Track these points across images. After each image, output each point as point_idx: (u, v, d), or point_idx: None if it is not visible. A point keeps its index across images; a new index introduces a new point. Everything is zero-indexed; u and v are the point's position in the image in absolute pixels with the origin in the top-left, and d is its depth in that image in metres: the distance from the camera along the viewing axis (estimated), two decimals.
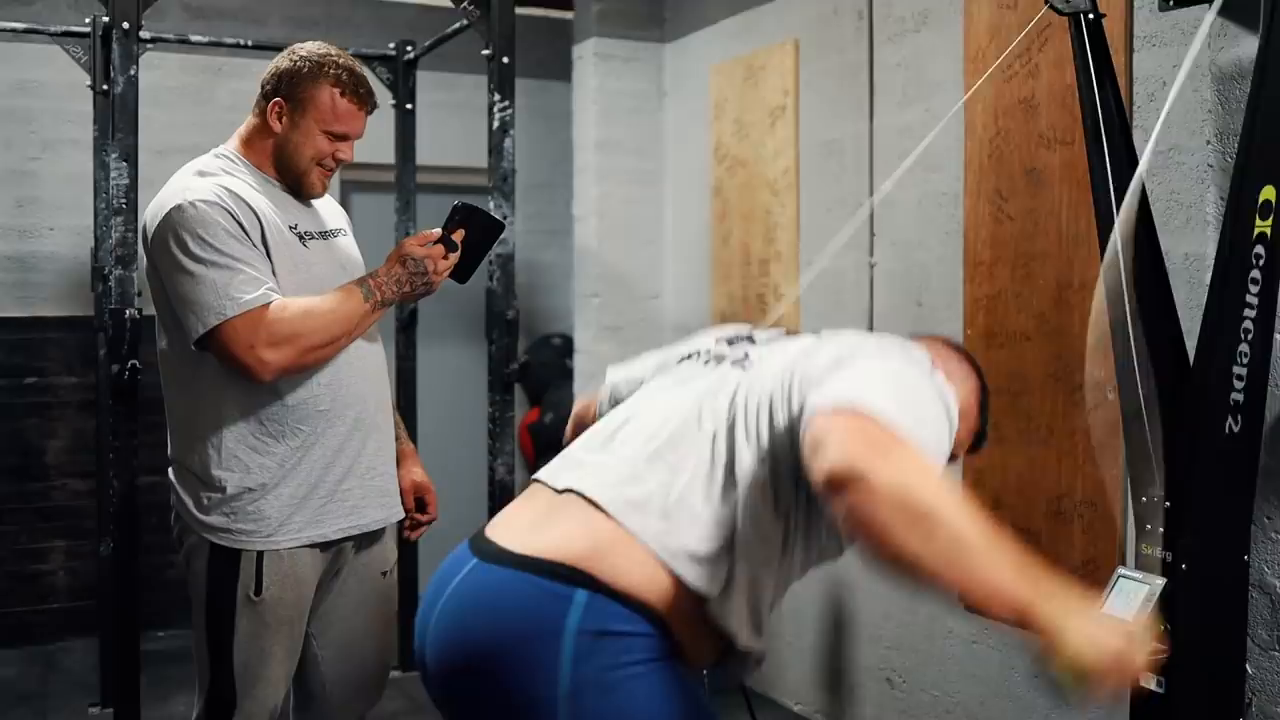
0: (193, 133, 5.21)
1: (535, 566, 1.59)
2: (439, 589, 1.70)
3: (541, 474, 1.80)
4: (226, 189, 2.41)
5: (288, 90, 2.48)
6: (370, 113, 2.57)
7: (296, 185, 2.55)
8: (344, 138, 2.53)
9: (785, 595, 1.74)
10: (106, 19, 3.57)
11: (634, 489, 1.65)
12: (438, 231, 2.54)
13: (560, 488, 1.71)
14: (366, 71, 2.60)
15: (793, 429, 1.62)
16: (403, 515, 2.71)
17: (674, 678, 1.60)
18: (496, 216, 2.57)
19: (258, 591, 2.43)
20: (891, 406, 1.49)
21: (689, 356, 1.93)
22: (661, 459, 1.68)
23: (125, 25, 3.35)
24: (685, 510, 1.63)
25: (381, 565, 2.67)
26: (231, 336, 2.33)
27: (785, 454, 1.63)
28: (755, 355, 1.82)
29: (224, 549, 2.44)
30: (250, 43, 4.41)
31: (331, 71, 2.48)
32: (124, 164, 3.36)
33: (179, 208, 2.37)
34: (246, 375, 2.36)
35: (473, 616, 1.62)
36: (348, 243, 2.68)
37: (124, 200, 3.36)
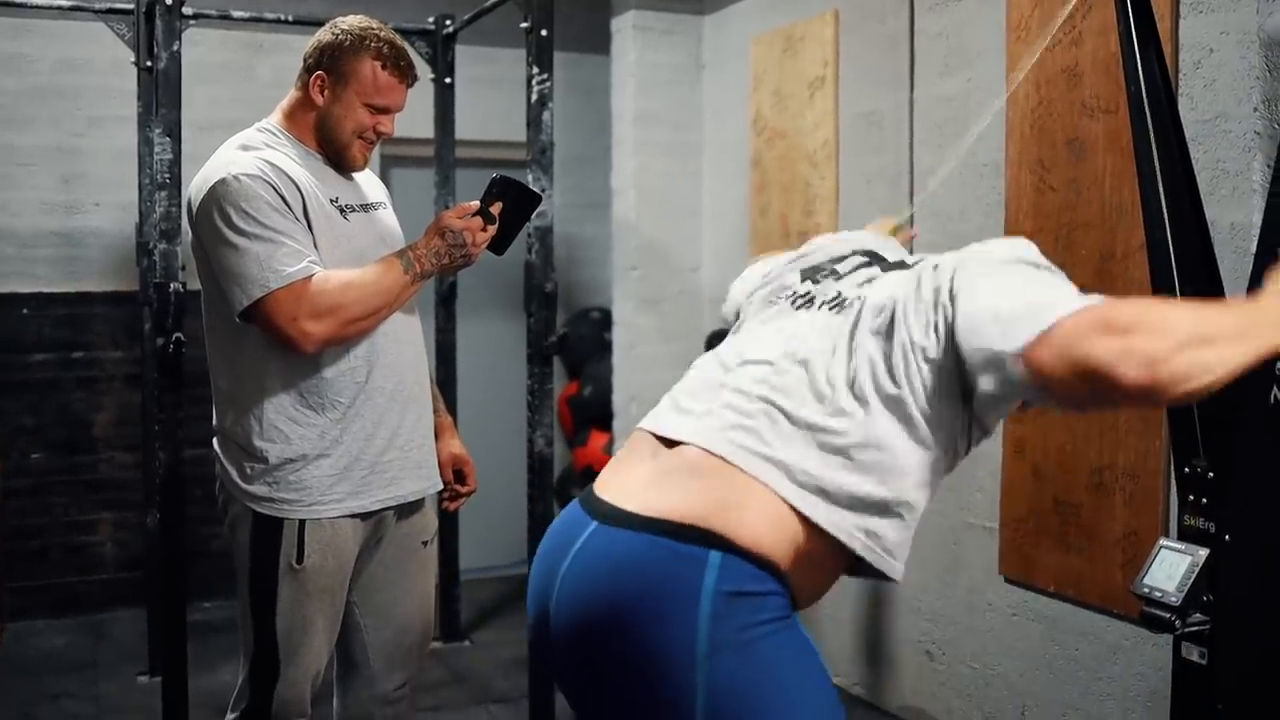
0: (235, 108, 5.25)
1: (664, 529, 1.58)
2: (556, 555, 1.68)
3: (649, 423, 1.77)
4: (269, 163, 2.43)
5: (330, 63, 2.51)
6: (411, 85, 2.59)
7: (338, 158, 2.57)
8: (385, 110, 2.55)
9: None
10: None
11: (749, 436, 1.63)
12: (476, 204, 2.55)
13: (673, 438, 1.69)
14: (406, 45, 2.61)
15: (938, 342, 1.62)
16: (441, 486, 2.74)
17: (802, 634, 1.62)
18: (534, 189, 2.58)
19: (299, 560, 2.46)
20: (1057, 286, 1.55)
21: (780, 296, 1.87)
22: (772, 402, 1.66)
23: (168, 1, 3.38)
24: (811, 449, 1.62)
25: (422, 534, 2.70)
26: (275, 308, 2.36)
27: (934, 376, 1.62)
28: (849, 292, 1.77)
29: (267, 518, 2.48)
30: (291, 18, 4.42)
31: (373, 45, 2.50)
32: (167, 139, 3.40)
33: (223, 181, 2.39)
34: (290, 347, 2.39)
35: (606, 580, 1.60)
36: (388, 216, 2.71)
37: (168, 175, 3.40)
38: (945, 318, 1.61)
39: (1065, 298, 1.50)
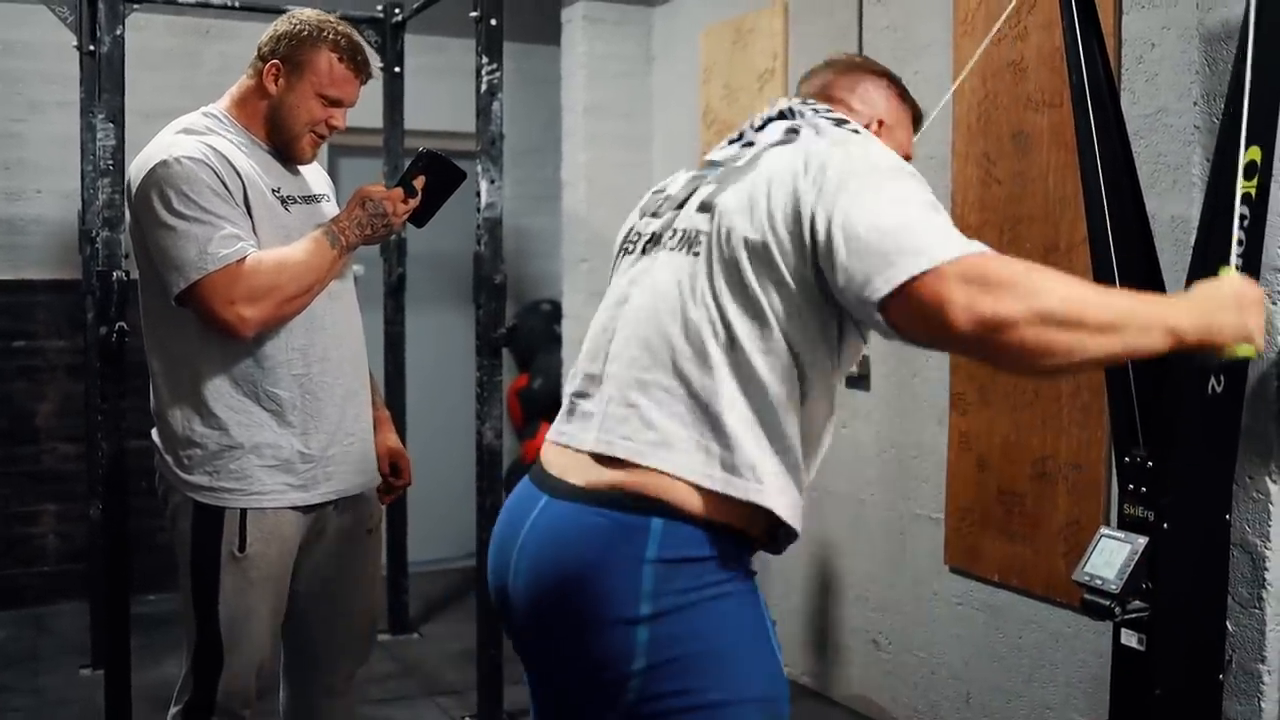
0: (180, 95, 5.15)
1: (607, 500, 1.62)
2: (511, 531, 1.73)
3: (559, 435, 1.79)
4: (211, 147, 2.41)
5: (286, 53, 2.49)
6: (365, 82, 2.60)
7: (287, 149, 2.55)
8: (338, 103, 2.54)
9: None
10: None
11: (649, 432, 1.63)
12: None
13: (586, 450, 1.70)
14: (363, 41, 2.61)
15: (805, 263, 1.57)
16: (380, 480, 2.73)
17: (754, 601, 1.64)
18: (459, 167, 2.63)
19: (242, 548, 2.44)
20: (919, 222, 1.49)
21: (627, 248, 1.86)
22: (656, 386, 1.65)
23: None
24: (708, 427, 1.61)
25: (366, 523, 2.69)
26: (211, 292, 2.33)
27: (800, 305, 1.59)
28: (688, 226, 1.72)
29: (207, 507, 2.45)
30: (238, 4, 4.38)
31: (331, 37, 2.50)
32: (110, 125, 3.35)
33: (164, 163, 2.37)
34: (226, 331, 2.37)
35: (555, 551, 1.65)
36: (331, 209, 2.68)
37: (110, 161, 3.36)
38: (816, 234, 1.55)
39: (945, 241, 1.46)
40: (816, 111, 1.78)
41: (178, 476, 2.47)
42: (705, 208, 1.70)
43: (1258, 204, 2.29)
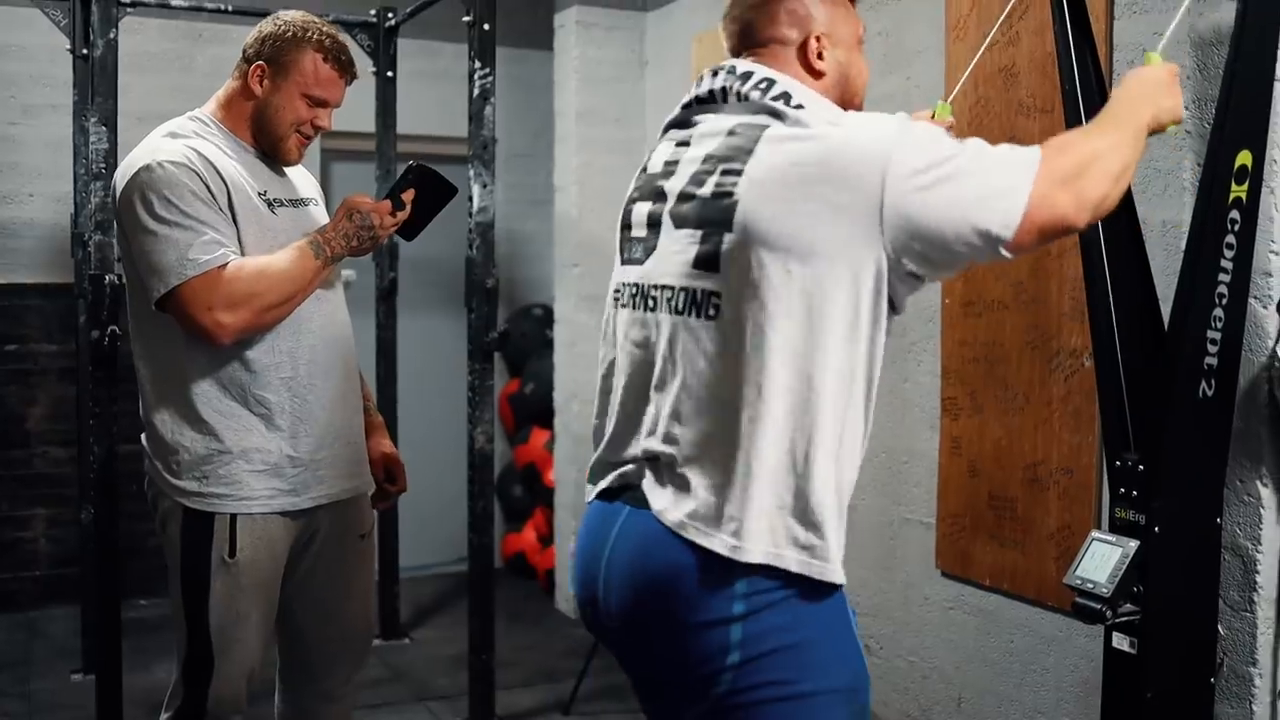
0: (172, 98, 5.15)
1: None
2: (597, 546, 1.79)
3: (601, 489, 1.85)
4: (196, 151, 2.42)
5: (271, 54, 2.50)
6: (350, 82, 2.60)
7: (273, 150, 2.55)
8: (323, 104, 2.55)
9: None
10: None
11: (689, 504, 1.68)
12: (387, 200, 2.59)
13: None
14: (348, 40, 2.61)
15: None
16: (373, 486, 2.72)
17: (834, 593, 1.69)
18: (451, 182, 2.62)
19: (232, 554, 2.43)
20: (930, 144, 1.64)
21: (617, 298, 1.91)
22: (695, 464, 1.69)
23: None
24: (752, 488, 1.65)
25: (359, 528, 2.68)
26: (190, 298, 2.33)
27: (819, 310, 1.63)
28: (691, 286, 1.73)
29: (197, 512, 2.44)
30: (230, 8, 4.38)
31: (315, 37, 2.50)
32: (103, 128, 3.35)
33: (147, 168, 2.37)
34: (204, 337, 2.37)
35: (645, 557, 1.71)
36: (319, 213, 2.68)
37: (103, 165, 3.35)
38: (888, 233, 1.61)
39: (1016, 172, 1.62)
40: (764, 94, 1.74)
41: (167, 481, 2.47)
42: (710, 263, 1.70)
43: (1249, 208, 2.30)
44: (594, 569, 1.79)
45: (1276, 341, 2.44)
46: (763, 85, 1.75)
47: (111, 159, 3.36)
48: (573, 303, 5.12)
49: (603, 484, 1.84)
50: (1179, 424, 2.33)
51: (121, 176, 2.44)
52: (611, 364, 1.89)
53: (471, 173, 3.71)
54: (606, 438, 1.86)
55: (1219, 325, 2.31)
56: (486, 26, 3.68)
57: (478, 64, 3.68)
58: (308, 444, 2.50)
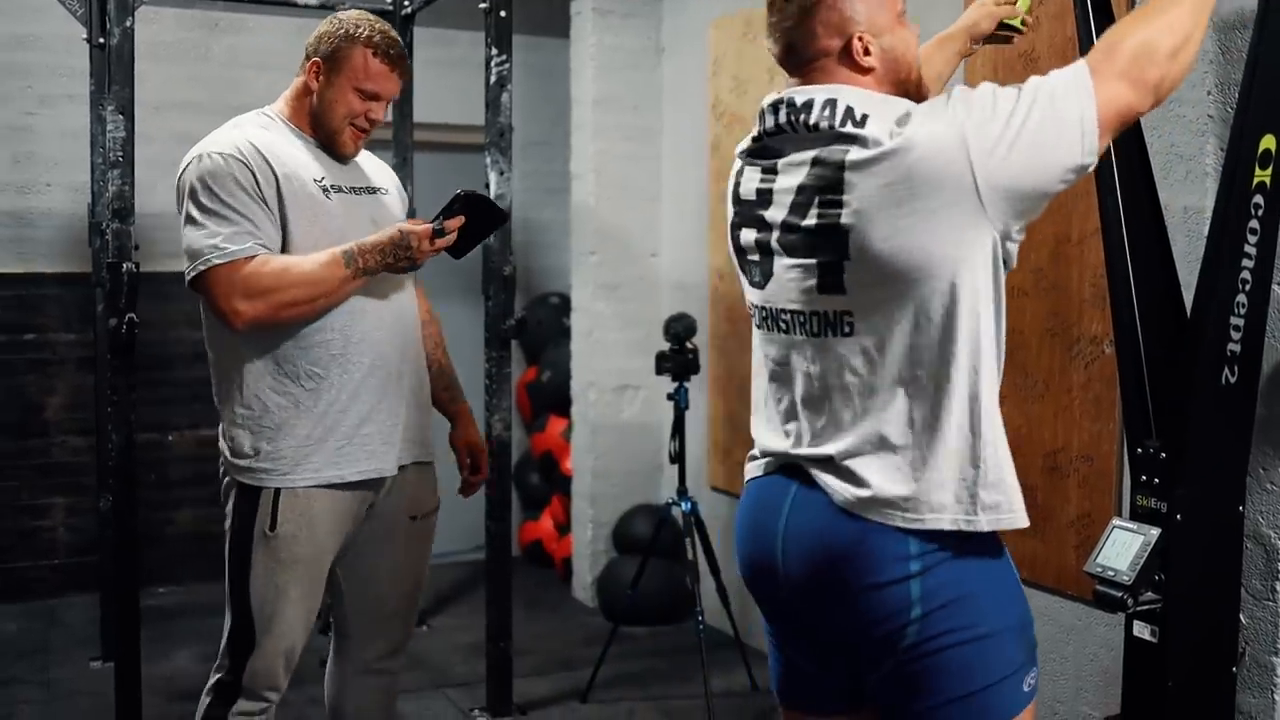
0: (189, 88, 5.20)
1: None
2: (769, 518, 1.88)
3: (764, 470, 1.95)
4: (250, 142, 2.54)
5: (326, 51, 2.64)
6: (403, 75, 2.71)
7: (330, 142, 2.67)
8: (375, 97, 2.66)
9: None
10: None
11: (863, 491, 1.78)
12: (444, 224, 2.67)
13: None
14: (398, 37, 2.73)
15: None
16: (430, 460, 2.80)
17: (994, 540, 1.83)
18: (500, 207, 2.68)
19: (272, 527, 2.53)
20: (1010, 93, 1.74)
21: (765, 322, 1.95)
22: (861, 459, 1.80)
23: None
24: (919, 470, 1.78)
25: (411, 509, 2.76)
26: (213, 284, 2.47)
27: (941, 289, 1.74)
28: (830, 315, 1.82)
29: (248, 487, 2.57)
30: None
31: (365, 34, 2.63)
32: (120, 117, 3.35)
33: (199, 157, 2.52)
34: (223, 321, 2.50)
35: (822, 527, 1.81)
36: (389, 200, 2.79)
37: (120, 154, 3.35)
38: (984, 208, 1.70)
39: (1076, 96, 1.70)
40: (832, 118, 1.78)
41: (227, 459, 2.61)
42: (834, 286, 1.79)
43: (1272, 193, 2.27)
44: (767, 540, 1.88)
45: None
46: (826, 111, 1.78)
47: (128, 147, 3.36)
48: (590, 291, 5.11)
49: (765, 466, 1.95)
50: (1201, 411, 2.32)
51: (181, 166, 2.58)
52: (759, 365, 1.99)
53: (488, 160, 3.70)
54: (762, 433, 1.97)
55: (1242, 311, 2.29)
56: (504, 13, 3.67)
57: (495, 51, 3.67)
58: (353, 418, 2.58)
